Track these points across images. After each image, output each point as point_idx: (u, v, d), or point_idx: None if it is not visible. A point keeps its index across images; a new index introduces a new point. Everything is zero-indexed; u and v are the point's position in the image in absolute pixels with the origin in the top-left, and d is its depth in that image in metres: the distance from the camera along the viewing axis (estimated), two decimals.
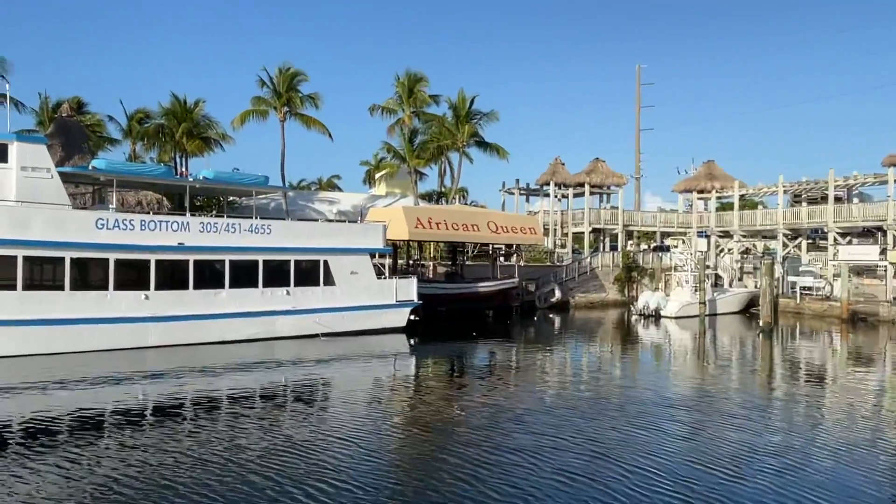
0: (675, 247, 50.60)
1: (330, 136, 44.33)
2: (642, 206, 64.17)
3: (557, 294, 41.19)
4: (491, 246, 40.01)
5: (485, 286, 36.33)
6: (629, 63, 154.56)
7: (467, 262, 42.68)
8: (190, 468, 10.49)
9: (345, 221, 30.22)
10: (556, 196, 55.04)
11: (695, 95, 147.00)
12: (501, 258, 40.87)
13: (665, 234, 55.18)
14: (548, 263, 46.83)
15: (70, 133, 34.59)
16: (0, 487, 9.40)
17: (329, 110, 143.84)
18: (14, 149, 20.95)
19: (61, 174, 22.17)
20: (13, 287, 20.18)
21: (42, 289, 20.78)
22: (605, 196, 58.26)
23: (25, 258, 20.33)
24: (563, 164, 55.72)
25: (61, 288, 20.97)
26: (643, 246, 55.91)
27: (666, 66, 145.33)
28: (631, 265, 45.80)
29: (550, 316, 38.20)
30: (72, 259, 21.06)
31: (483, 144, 47.15)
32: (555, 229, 53.74)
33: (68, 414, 13.82)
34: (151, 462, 10.78)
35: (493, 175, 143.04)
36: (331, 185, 68.61)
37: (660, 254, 47.83)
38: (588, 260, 45.53)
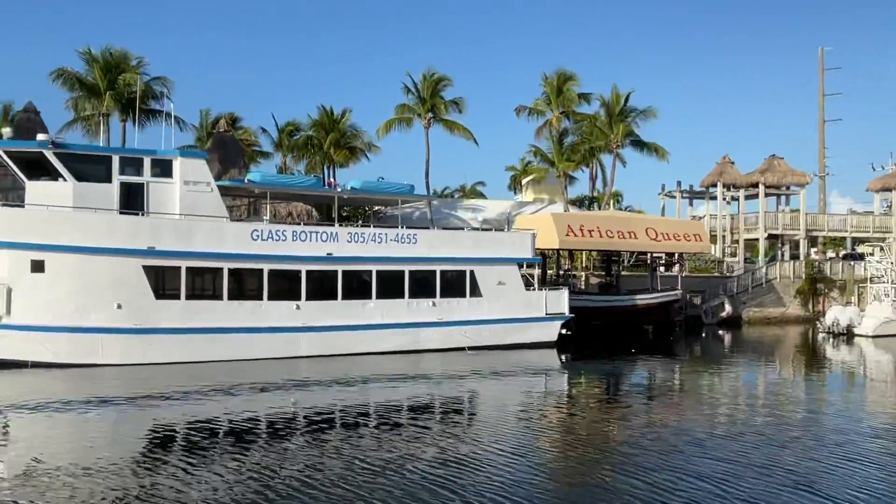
0: (871, 254, 46.16)
1: (475, 141, 45.09)
2: (828, 208, 59.62)
3: (727, 308, 39.04)
4: (650, 255, 38.76)
5: (643, 299, 35.17)
6: (810, 45, 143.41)
7: (623, 273, 41.56)
8: (359, 475, 11.01)
9: (490, 230, 30.52)
10: (724, 199, 52.33)
11: (891, 78, 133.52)
12: (662, 268, 39.48)
13: (857, 240, 50.63)
14: (716, 274, 44.58)
15: (226, 148, 37.80)
16: (168, 490, 10.37)
17: (473, 114, 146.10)
18: (178, 164, 23.22)
19: (219, 187, 24.25)
20: (177, 297, 22.34)
21: (202, 298, 22.82)
22: (783, 198, 54.68)
23: (188, 269, 22.43)
24: (733, 163, 52.90)
25: (219, 298, 22.90)
26: (830, 254, 51.60)
27: (855, 47, 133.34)
28: (816, 276, 42.50)
29: (719, 332, 36.28)
30: (229, 270, 22.95)
31: (639, 144, 45.85)
32: (723, 236, 51.06)
33: (231, 419, 15.05)
34: (320, 466, 11.45)
35: (650, 177, 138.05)
36: (475, 193, 69.58)
37: (851, 262, 44.11)
38: (764, 270, 42.84)
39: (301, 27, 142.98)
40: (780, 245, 51.00)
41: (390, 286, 25.43)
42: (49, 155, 21.41)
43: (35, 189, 21.82)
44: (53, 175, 21.68)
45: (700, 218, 52.81)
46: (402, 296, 25.62)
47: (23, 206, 22.11)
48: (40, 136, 22.24)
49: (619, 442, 13.62)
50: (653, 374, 23.79)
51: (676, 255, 38.20)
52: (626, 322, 34.17)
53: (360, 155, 47.31)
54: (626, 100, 44.25)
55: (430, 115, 43.63)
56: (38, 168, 21.79)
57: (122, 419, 15.54)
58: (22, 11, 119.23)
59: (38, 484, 10.46)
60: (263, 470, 11.22)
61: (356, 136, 46.55)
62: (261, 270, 23.38)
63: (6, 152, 21.99)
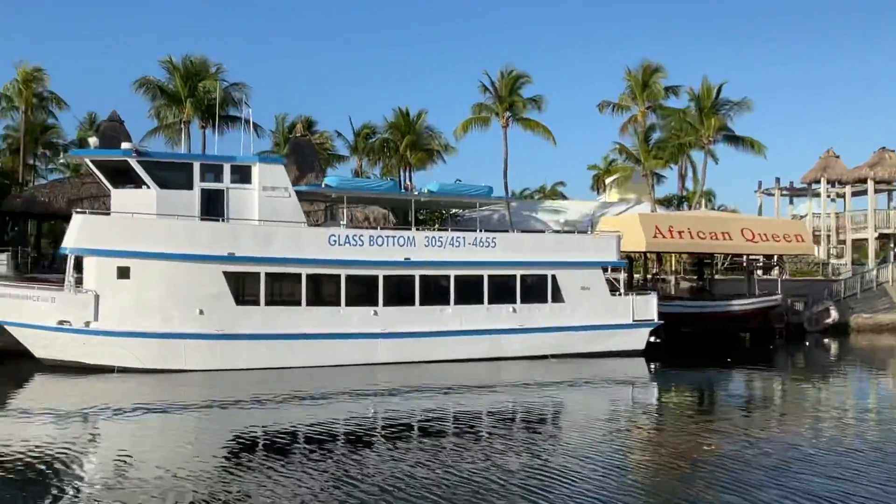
0: None
1: (554, 141, 44.81)
2: None
3: (833, 314, 37.28)
4: (746, 257, 37.50)
5: (739, 304, 34.08)
6: None
7: (717, 277, 40.38)
8: (448, 484, 11.13)
9: (573, 232, 30.24)
10: (828, 196, 50.18)
11: None
12: (759, 271, 38.14)
13: None
14: (819, 277, 42.79)
15: (303, 152, 38.93)
16: (261, 495, 10.76)
17: (552, 111, 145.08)
18: (256, 170, 24.03)
19: (297, 192, 24.96)
20: (256, 302, 23.11)
21: (281, 304, 23.52)
22: (895, 193, 51.71)
23: (267, 275, 23.18)
24: (837, 157, 50.76)
25: (298, 303, 23.55)
26: None
27: None
28: None
29: (824, 341, 34.74)
30: (307, 275, 23.57)
31: (733, 139, 44.58)
32: (828, 236, 48.93)
33: (313, 425, 15.44)
34: (408, 475, 11.62)
35: (745, 174, 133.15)
36: (555, 194, 69.20)
37: None
38: (874, 272, 40.71)
39: (376, 27, 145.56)
40: (892, 245, 48.49)
41: (469, 291, 25.52)
42: (133, 163, 22.57)
43: (120, 197, 23.08)
44: (137, 183, 22.84)
45: (801, 217, 50.97)
46: (481, 301, 25.66)
47: (108, 214, 23.44)
48: (124, 145, 23.49)
49: (719, 457, 13.21)
50: (751, 386, 23.01)
51: (775, 257, 36.82)
52: (721, 329, 33.22)
53: (437, 157, 47.81)
54: (718, 92, 43.14)
55: (508, 113, 43.64)
56: (122, 176, 23.03)
57: (206, 424, 16.23)
58: (108, 23, 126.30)
59: (131, 486, 11.04)
60: (352, 477, 11.49)
61: (432, 138, 47.06)
62: (338, 276, 23.89)
63: (93, 161, 23.35)
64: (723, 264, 43.87)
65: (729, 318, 33.72)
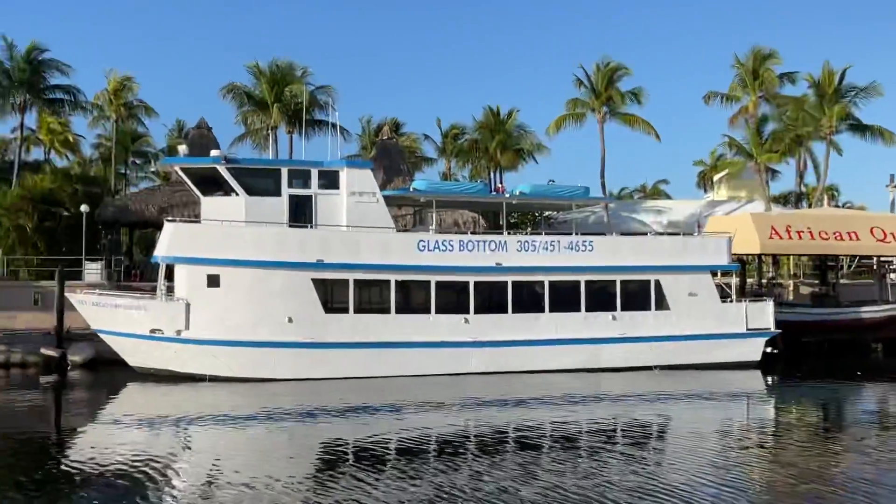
0: None
1: (657, 135, 43.88)
2: None
3: None
4: (876, 259, 35.64)
5: (870, 311, 32.41)
6: None
7: (842, 281, 38.52)
8: (559, 501, 11.08)
9: (678, 234, 29.51)
10: None
11: None
12: (892, 275, 36.10)
13: None
14: None
15: (390, 155, 39.65)
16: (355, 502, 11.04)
17: (653, 104, 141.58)
18: (344, 175, 24.64)
19: (385, 197, 25.41)
20: (345, 310, 23.62)
21: (370, 312, 23.97)
22: None
23: (356, 281, 23.68)
24: None
25: (387, 311, 23.93)
26: None
27: None
28: None
29: None
30: (396, 282, 23.93)
31: (859, 128, 42.59)
32: None
33: (406, 436, 15.67)
34: (513, 490, 11.64)
35: (875, 167, 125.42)
36: (657, 193, 67.76)
37: None
38: None
39: (463, 22, 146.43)
40: None
41: (565, 298, 25.27)
42: (222, 170, 23.55)
43: (209, 204, 24.12)
44: (226, 190, 23.81)
45: None
46: (577, 309, 25.37)
47: (199, 222, 24.54)
48: (213, 153, 24.56)
49: (854, 479, 12.61)
50: (885, 402, 21.81)
51: None
52: (849, 339, 31.74)
53: (528, 157, 47.67)
54: (842, 77, 41.37)
55: (606, 108, 43.08)
56: (212, 184, 24.06)
57: (298, 433, 16.78)
58: (195, 30, 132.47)
59: (226, 495, 11.55)
60: (455, 487, 11.66)
61: (524, 137, 46.93)
62: (428, 282, 24.13)
63: (183, 169, 24.54)
64: (849, 267, 41.92)
65: (858, 326, 32.13)
